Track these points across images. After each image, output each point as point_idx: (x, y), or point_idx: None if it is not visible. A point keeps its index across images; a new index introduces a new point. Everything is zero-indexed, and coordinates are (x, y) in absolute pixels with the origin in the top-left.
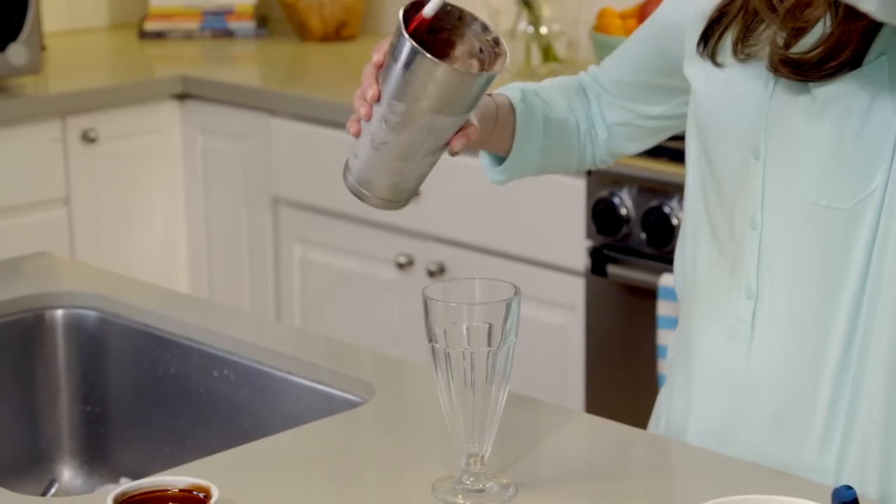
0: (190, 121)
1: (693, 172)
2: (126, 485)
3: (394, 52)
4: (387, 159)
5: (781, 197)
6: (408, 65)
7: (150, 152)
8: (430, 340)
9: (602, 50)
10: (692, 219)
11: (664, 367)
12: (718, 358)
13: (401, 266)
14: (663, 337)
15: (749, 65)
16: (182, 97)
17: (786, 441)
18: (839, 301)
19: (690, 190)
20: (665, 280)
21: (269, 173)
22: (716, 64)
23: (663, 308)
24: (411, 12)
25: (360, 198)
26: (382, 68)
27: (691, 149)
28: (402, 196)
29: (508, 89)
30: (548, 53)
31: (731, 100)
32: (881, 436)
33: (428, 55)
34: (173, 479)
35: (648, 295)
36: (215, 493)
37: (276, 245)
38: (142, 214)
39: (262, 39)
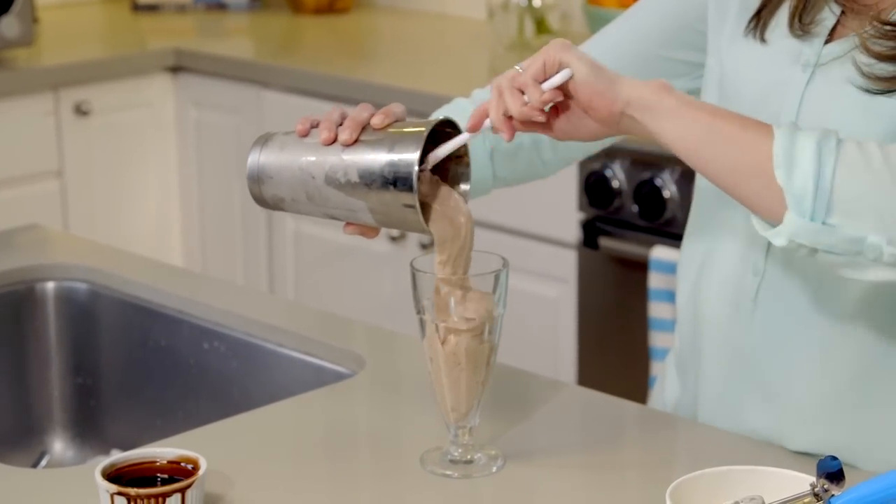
0: (183, 94)
1: None
2: (114, 457)
3: (395, 145)
4: (297, 186)
5: None
6: (394, 183)
7: (143, 125)
8: (419, 312)
9: (595, 22)
10: (705, 194)
11: (656, 338)
12: (722, 332)
13: (393, 239)
14: (655, 309)
15: (791, 47)
16: (175, 70)
17: (784, 415)
18: (844, 284)
19: None
20: (657, 252)
21: None
22: (763, 41)
23: (655, 280)
24: (439, 129)
25: (250, 177)
26: (371, 134)
27: None
28: (274, 207)
29: (453, 114)
30: (541, 26)
31: (768, 83)
32: (880, 412)
33: (418, 205)
34: (162, 450)
35: (640, 267)
36: (203, 464)
37: (269, 218)
38: (135, 187)
39: (256, 12)
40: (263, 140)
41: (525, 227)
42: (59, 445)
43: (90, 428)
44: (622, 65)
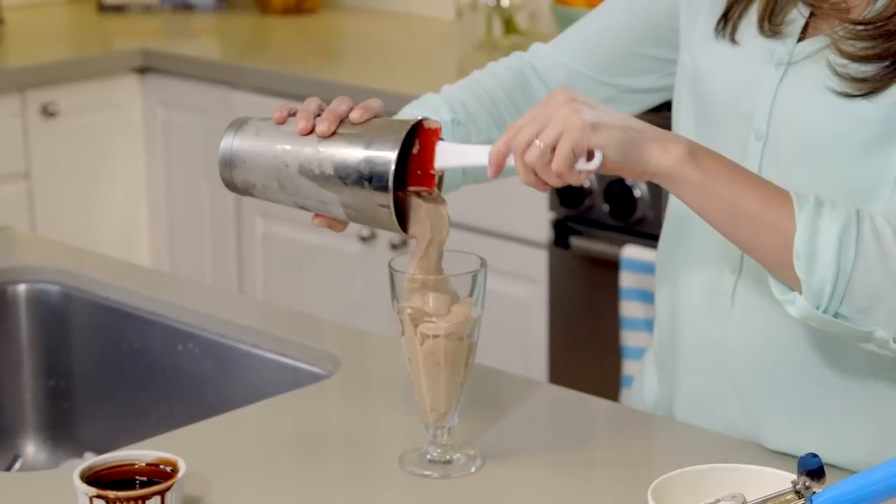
0: (151, 95)
1: None
2: (92, 459)
3: (372, 141)
4: (270, 173)
5: (776, 178)
6: (370, 180)
7: (110, 126)
8: (397, 312)
9: (564, 22)
10: None
11: (628, 337)
12: (699, 329)
13: (363, 239)
14: (627, 308)
15: (764, 46)
16: (142, 71)
17: (761, 414)
18: None
19: None
20: (628, 251)
21: None
22: (733, 42)
23: (627, 279)
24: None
25: (221, 161)
26: (350, 127)
27: (683, 123)
28: (244, 192)
29: (423, 110)
30: (509, 26)
31: (741, 81)
32: (857, 412)
33: (392, 204)
34: (140, 453)
35: (611, 266)
36: (182, 466)
37: (238, 219)
38: (103, 189)
39: (222, 13)
40: (238, 124)
41: (496, 226)
42: (31, 448)
43: (63, 431)
44: (595, 62)
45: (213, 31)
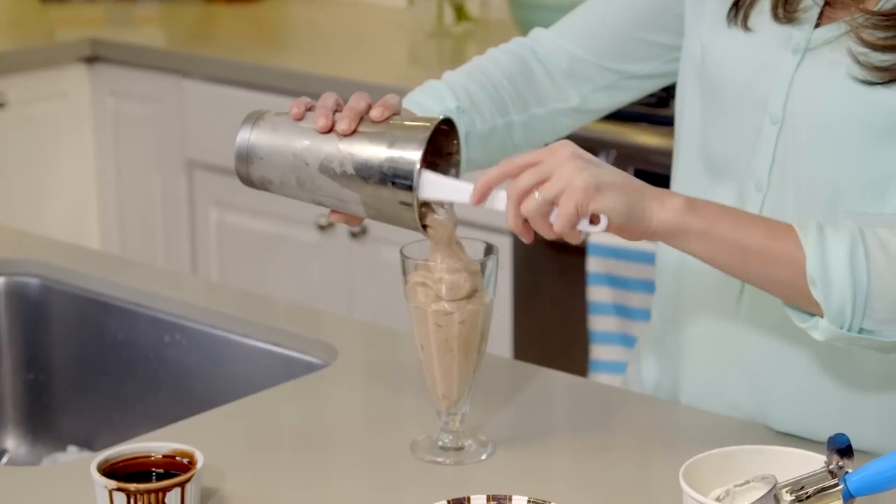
0: (99, 84)
1: (690, 132)
2: (108, 452)
3: (395, 141)
4: (289, 170)
5: (792, 164)
6: (393, 180)
7: (59, 116)
8: (410, 300)
9: (516, 9)
10: (687, 176)
11: (596, 322)
12: (708, 314)
13: (322, 228)
14: (594, 293)
15: (779, 32)
16: (90, 60)
17: (770, 396)
18: None
19: (685, 151)
20: (595, 236)
21: (183, 136)
22: (746, 29)
23: (593, 264)
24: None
25: (238, 156)
26: (370, 126)
27: (688, 111)
28: (260, 187)
29: (429, 97)
30: (460, 13)
31: (755, 67)
32: (865, 396)
33: (416, 204)
34: (156, 444)
35: (576, 251)
36: (200, 458)
37: (191, 209)
38: (52, 180)
39: (166, 2)
40: (254, 118)
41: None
42: (11, 443)
43: (44, 425)
44: (597, 47)
45: (158, 20)
